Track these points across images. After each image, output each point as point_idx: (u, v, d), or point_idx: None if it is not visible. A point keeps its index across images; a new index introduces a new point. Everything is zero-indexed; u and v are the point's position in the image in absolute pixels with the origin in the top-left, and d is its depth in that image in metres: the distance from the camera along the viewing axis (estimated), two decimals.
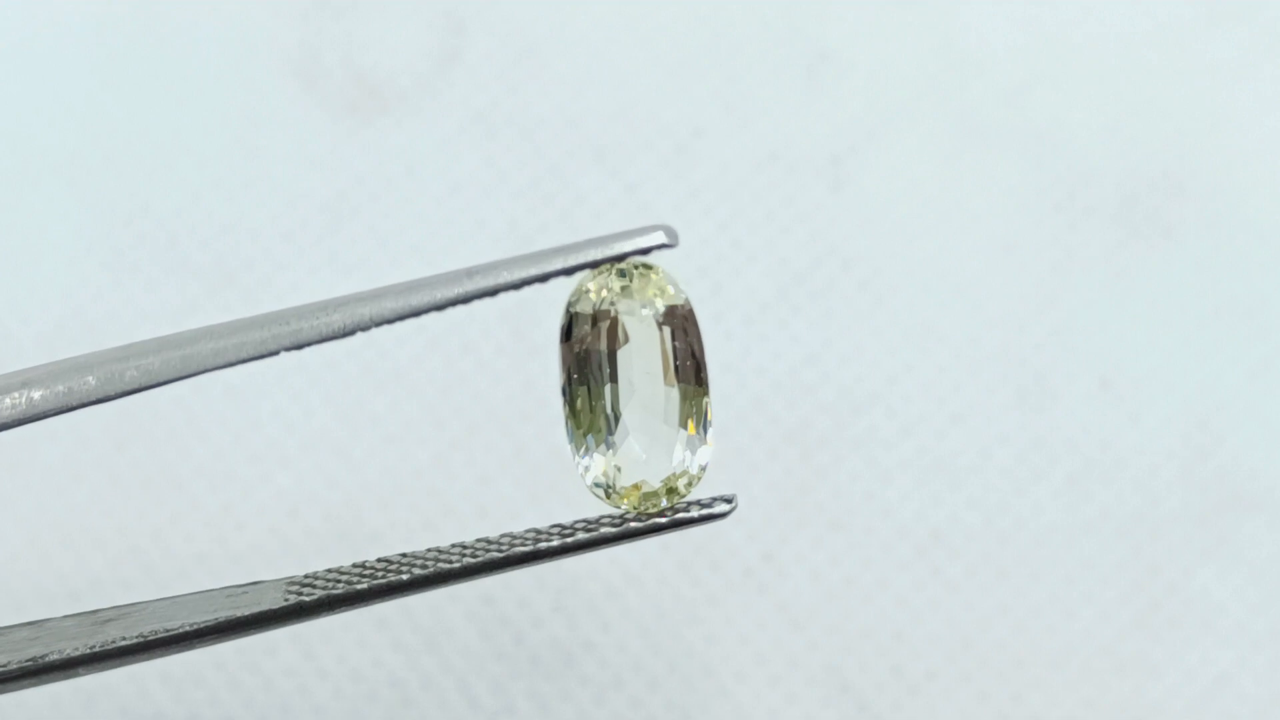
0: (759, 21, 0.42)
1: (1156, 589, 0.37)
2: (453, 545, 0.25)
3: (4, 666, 0.25)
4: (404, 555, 0.25)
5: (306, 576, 0.25)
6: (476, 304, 0.39)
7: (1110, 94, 0.42)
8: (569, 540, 0.25)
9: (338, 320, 0.25)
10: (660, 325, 0.25)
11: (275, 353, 0.26)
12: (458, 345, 0.38)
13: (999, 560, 0.37)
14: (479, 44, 0.42)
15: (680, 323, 0.25)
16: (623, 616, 0.36)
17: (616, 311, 0.25)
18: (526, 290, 0.39)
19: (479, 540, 0.25)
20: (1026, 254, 0.40)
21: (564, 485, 0.37)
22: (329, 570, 0.25)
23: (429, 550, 0.25)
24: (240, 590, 0.26)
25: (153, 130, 0.41)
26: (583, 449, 0.25)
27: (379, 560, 0.25)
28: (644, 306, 0.25)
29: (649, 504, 0.25)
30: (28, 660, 0.25)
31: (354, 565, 0.25)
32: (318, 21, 0.42)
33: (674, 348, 0.25)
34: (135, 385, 0.25)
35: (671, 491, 0.25)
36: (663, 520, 0.25)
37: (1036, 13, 0.42)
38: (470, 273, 0.26)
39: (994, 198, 0.40)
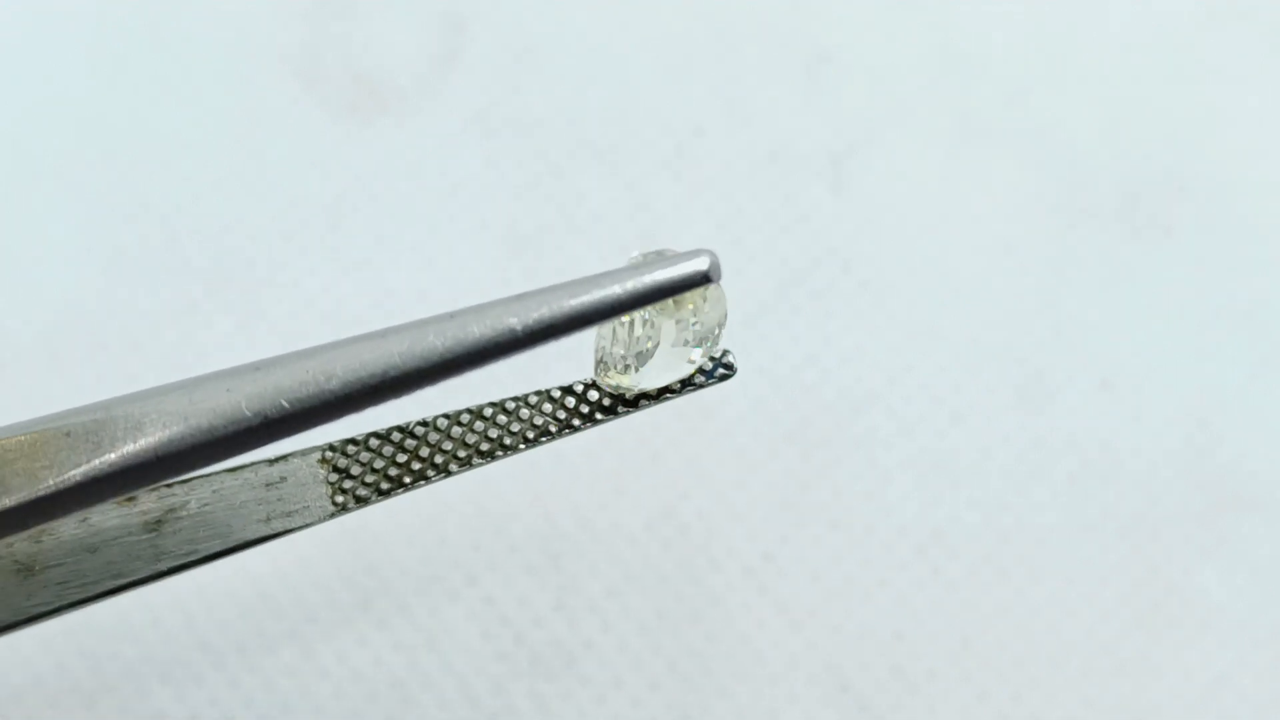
0: (759, 21, 0.42)
1: (1156, 589, 0.37)
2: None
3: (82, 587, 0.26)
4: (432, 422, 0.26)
5: (341, 440, 0.26)
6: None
7: (1110, 94, 0.42)
8: (584, 414, 0.27)
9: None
10: (691, 346, 0.26)
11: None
12: None
13: (999, 560, 0.37)
14: (479, 44, 0.42)
15: (709, 334, 0.26)
16: (623, 616, 0.36)
17: (655, 344, 0.26)
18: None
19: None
20: (1026, 254, 0.40)
21: (566, 484, 0.37)
22: (369, 435, 0.26)
23: (460, 411, 0.26)
24: (277, 478, 0.27)
25: (153, 130, 0.41)
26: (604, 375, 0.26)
27: (414, 426, 0.26)
28: (682, 333, 0.25)
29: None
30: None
31: (392, 428, 0.26)
32: (318, 21, 0.42)
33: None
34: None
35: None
36: (675, 387, 0.26)
37: (1036, 13, 0.42)
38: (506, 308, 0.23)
39: (994, 198, 0.40)
